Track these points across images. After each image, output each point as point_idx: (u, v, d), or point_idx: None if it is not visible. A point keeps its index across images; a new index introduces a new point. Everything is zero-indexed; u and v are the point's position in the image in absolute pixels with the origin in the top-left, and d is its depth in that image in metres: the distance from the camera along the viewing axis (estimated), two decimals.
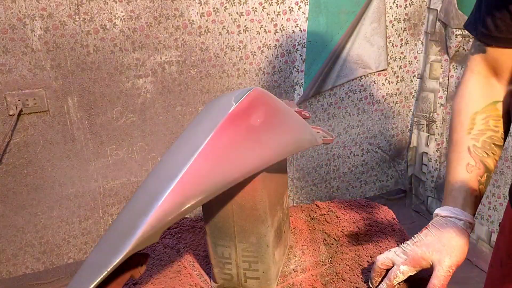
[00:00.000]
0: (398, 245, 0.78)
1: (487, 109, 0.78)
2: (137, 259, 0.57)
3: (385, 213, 0.95)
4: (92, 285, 0.48)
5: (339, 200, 1.01)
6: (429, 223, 0.73)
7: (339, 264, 0.81)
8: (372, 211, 0.96)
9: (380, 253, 0.78)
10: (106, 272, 0.49)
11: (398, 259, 0.70)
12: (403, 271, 0.69)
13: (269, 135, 0.68)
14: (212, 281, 0.79)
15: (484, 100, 0.79)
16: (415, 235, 0.73)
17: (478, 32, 0.79)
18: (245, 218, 0.70)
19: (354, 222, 0.92)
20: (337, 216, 0.95)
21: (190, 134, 0.66)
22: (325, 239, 0.89)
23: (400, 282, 0.71)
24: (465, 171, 0.75)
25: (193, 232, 0.95)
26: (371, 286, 0.75)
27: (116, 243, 0.51)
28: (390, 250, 0.73)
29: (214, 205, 0.71)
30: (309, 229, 0.93)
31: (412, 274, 0.70)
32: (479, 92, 0.80)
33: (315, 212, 0.98)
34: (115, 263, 0.49)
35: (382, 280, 0.73)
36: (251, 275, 0.75)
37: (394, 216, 0.94)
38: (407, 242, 0.72)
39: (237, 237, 0.72)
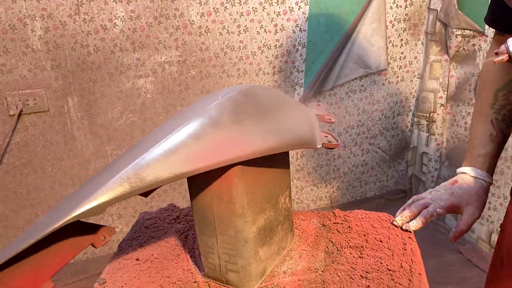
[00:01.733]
0: (401, 265, 0.79)
1: (507, 86, 0.90)
2: (103, 231, 0.62)
3: (403, 231, 0.90)
4: (31, 241, 0.53)
5: (359, 211, 0.97)
6: (458, 178, 0.90)
7: (330, 274, 0.79)
8: (389, 226, 0.91)
9: (378, 270, 0.78)
10: (42, 234, 0.53)
11: (436, 204, 0.86)
12: (438, 213, 0.86)
13: (253, 130, 0.68)
14: (200, 269, 0.82)
15: (503, 77, 0.91)
16: (446, 184, 0.90)
17: (497, 24, 0.90)
18: (223, 210, 0.71)
19: (364, 235, 0.89)
20: (349, 227, 0.92)
21: (168, 122, 0.69)
22: (327, 247, 0.87)
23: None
24: (489, 140, 0.92)
25: None
26: (398, 221, 0.87)
27: (64, 210, 0.55)
28: (424, 196, 0.88)
29: (197, 194, 0.73)
30: (317, 235, 0.91)
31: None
32: (499, 71, 0.91)
33: (330, 220, 0.95)
34: (52, 228, 0.53)
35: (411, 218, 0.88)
36: (231, 268, 0.75)
37: (412, 236, 0.88)
38: (439, 189, 0.89)
39: (218, 228, 0.73)
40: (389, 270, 0.79)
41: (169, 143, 0.60)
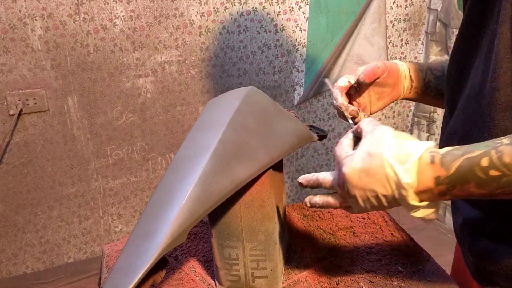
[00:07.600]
0: (392, 234, 0.86)
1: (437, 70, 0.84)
2: (157, 264, 0.56)
3: None
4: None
5: None
6: None
7: (340, 258, 0.82)
8: None
9: (377, 243, 0.84)
10: (141, 275, 0.49)
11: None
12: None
13: (272, 132, 0.71)
14: (217, 284, 0.79)
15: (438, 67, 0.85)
16: None
17: None
18: (253, 216, 0.71)
19: (346, 216, 0.94)
20: (329, 212, 0.97)
21: (198, 134, 0.69)
22: (321, 235, 0.90)
23: None
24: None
25: (188, 239, 0.94)
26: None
27: (145, 246, 0.52)
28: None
29: (220, 205, 0.72)
30: (304, 226, 0.94)
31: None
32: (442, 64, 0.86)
33: (307, 210, 0.99)
34: (147, 266, 0.50)
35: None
36: (259, 274, 0.75)
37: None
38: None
39: (245, 237, 0.72)
40: (386, 241, 0.85)
41: (219, 158, 0.61)
